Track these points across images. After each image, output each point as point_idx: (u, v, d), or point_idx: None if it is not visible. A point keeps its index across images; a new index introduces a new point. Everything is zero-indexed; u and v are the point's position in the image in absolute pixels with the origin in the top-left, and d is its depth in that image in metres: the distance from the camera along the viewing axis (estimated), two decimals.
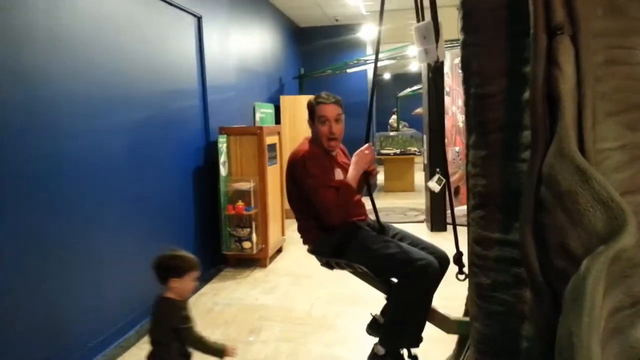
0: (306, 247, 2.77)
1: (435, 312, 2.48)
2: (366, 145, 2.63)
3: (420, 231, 7.17)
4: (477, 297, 1.80)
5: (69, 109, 3.36)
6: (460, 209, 5.84)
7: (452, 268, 2.62)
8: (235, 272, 5.49)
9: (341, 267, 2.69)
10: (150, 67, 4.39)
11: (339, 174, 2.67)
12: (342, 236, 2.57)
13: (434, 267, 2.39)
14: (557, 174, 1.33)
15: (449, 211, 2.75)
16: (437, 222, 6.93)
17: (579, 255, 1.27)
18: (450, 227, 2.66)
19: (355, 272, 2.67)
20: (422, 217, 7.79)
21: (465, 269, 2.43)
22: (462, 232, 2.12)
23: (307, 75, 9.92)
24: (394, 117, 14.73)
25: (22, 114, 2.97)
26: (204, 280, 5.14)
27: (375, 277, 2.58)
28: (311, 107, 2.69)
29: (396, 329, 2.46)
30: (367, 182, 2.68)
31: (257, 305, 4.53)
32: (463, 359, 2.44)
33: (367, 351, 2.65)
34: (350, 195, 2.56)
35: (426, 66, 6.05)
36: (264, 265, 5.64)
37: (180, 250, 2.59)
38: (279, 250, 6.18)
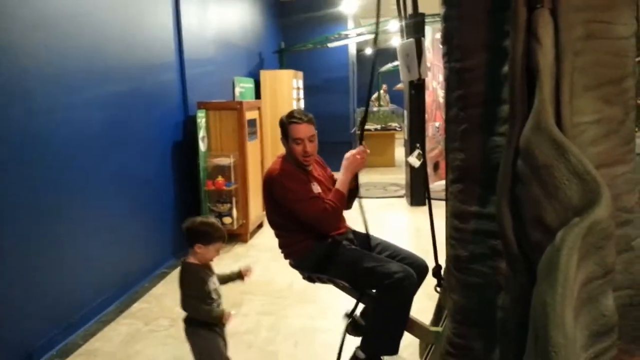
0: (288, 261, 2.78)
1: (413, 322, 2.52)
2: (359, 148, 2.58)
3: (400, 206, 7.24)
4: (455, 269, 1.82)
5: (45, 84, 3.27)
6: (440, 184, 5.89)
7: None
8: None
9: (323, 282, 2.73)
10: (127, 40, 4.29)
11: (316, 188, 2.62)
12: (322, 252, 2.59)
13: (411, 279, 2.43)
14: (534, 147, 1.35)
15: (432, 184, 2.74)
16: (417, 196, 7.00)
17: (554, 227, 1.29)
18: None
19: (337, 285, 2.71)
20: (402, 192, 7.85)
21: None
22: (440, 206, 2.13)
23: (287, 49, 9.79)
24: (377, 93, 14.63)
25: None
26: (184, 255, 5.11)
27: (355, 290, 2.62)
28: (284, 126, 2.62)
29: (375, 337, 2.52)
30: (355, 183, 2.63)
31: None
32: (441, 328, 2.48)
33: None
34: (343, 200, 2.55)
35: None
36: (245, 241, 5.64)
37: (213, 219, 2.71)
38: (260, 226, 6.17)
